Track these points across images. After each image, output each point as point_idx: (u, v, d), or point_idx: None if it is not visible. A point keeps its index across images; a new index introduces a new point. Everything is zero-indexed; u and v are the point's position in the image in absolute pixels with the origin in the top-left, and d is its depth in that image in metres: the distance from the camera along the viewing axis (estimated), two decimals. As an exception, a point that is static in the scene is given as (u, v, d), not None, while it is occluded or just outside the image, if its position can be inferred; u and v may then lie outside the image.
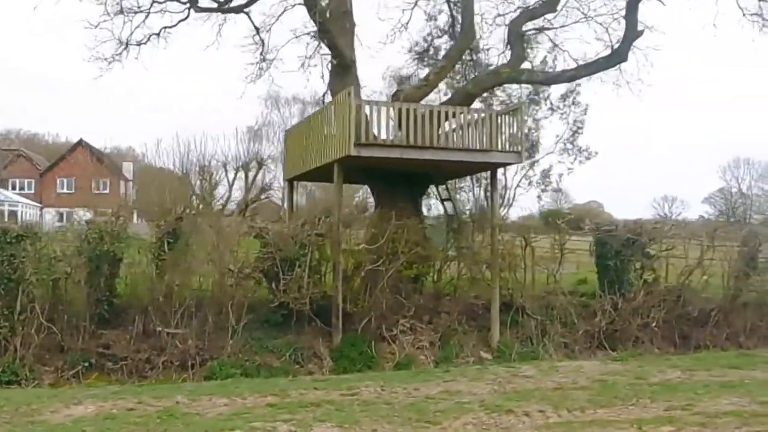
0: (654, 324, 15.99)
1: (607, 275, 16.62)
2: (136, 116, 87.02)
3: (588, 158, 34.60)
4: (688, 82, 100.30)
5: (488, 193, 33.83)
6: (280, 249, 14.21)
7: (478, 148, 15.03)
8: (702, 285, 16.98)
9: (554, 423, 7.97)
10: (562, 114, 33.84)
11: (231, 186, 33.02)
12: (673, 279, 17.10)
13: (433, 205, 33.02)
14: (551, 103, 33.70)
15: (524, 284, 16.19)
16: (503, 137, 15.31)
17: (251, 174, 30.99)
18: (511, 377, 10.92)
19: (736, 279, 17.21)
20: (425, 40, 25.23)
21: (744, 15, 18.00)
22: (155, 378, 13.01)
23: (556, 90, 32.47)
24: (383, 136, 14.93)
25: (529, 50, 28.51)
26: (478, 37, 25.13)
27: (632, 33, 17.06)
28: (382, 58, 51.42)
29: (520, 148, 15.14)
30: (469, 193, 34.71)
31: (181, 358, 13.36)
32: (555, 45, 21.57)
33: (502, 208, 34.17)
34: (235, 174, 32.90)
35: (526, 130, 34.06)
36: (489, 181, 16.66)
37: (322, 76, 19.77)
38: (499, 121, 15.37)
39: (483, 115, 15.53)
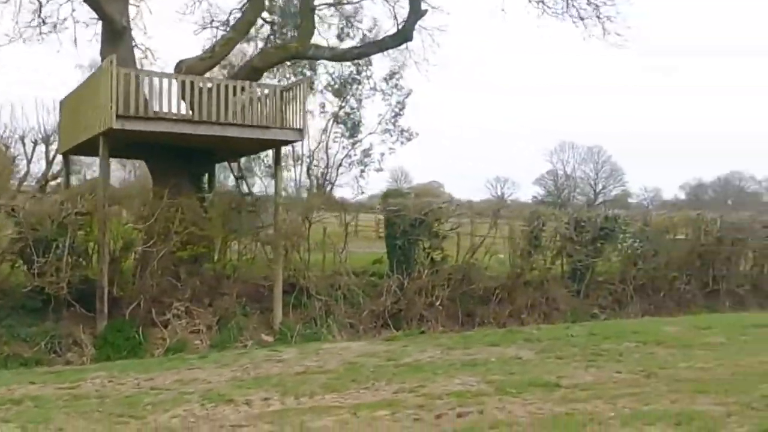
0: (438, 302, 16.26)
1: (396, 255, 16.72)
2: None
3: (409, 139, 35.36)
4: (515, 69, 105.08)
5: (309, 172, 33.66)
6: (34, 229, 12.99)
7: (257, 124, 14.44)
8: (487, 264, 17.47)
9: (270, 412, 7.60)
10: (384, 95, 34.24)
11: (29, 161, 30.53)
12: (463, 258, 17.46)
13: (258, 184, 32.32)
14: (374, 84, 33.94)
15: (308, 264, 15.88)
16: (287, 114, 14.83)
17: (53, 148, 28.69)
18: (264, 362, 10.47)
19: (519, 258, 17.85)
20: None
21: (530, 1, 18.57)
22: None
23: (380, 71, 32.84)
24: (164, 109, 13.99)
25: (349, 30, 28.43)
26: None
27: (416, 12, 17.05)
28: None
29: (301, 125, 14.72)
30: (289, 172, 34.30)
31: None
32: (351, 23, 21.36)
33: (324, 187, 34.10)
34: (33, 148, 30.40)
35: (348, 109, 34.45)
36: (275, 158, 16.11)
37: (75, 41, 18.65)
38: (284, 97, 14.87)
39: (267, 91, 14.97)
